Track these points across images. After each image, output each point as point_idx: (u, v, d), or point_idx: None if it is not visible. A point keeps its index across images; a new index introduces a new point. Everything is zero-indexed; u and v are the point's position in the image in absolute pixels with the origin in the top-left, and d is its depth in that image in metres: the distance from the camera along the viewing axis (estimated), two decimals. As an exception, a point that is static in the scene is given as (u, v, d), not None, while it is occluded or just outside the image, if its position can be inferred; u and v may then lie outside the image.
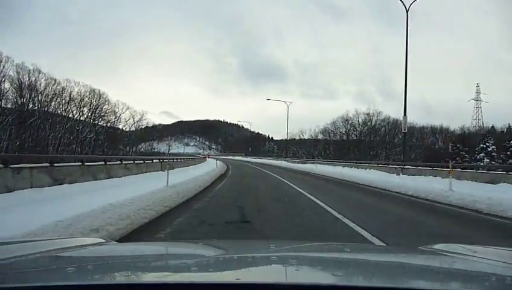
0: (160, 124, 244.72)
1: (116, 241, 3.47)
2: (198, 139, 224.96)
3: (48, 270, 1.31)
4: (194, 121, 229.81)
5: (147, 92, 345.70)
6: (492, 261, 1.46)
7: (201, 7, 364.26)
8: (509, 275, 1.26)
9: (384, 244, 5.22)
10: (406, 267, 1.51)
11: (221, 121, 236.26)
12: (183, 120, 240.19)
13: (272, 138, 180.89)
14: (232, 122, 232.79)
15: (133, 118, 66.65)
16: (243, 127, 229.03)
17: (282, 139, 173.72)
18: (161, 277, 1.20)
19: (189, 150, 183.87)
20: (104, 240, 2.14)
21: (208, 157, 47.68)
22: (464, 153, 47.25)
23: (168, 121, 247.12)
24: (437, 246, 1.87)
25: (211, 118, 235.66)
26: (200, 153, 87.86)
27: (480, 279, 1.27)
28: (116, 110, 59.67)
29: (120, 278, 1.19)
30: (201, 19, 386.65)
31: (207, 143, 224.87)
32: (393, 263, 1.65)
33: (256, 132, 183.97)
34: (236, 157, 78.93)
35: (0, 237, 3.52)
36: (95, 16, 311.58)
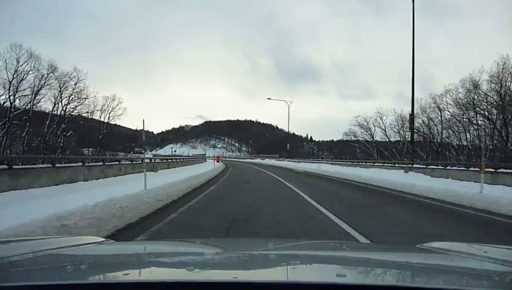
0: (187, 125, 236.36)
1: None
2: (226, 140, 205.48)
3: (47, 269, 1.30)
4: (223, 121, 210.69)
5: (181, 96, 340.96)
6: (490, 259, 1.47)
7: (232, 7, 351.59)
8: (506, 274, 1.27)
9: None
10: (404, 265, 1.50)
11: (252, 121, 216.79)
12: (211, 120, 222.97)
13: (311, 137, 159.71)
14: (265, 122, 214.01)
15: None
16: (277, 127, 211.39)
17: (322, 141, 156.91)
18: (159, 276, 1.21)
19: (216, 152, 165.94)
20: (103, 239, 2.06)
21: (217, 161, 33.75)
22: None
23: (196, 121, 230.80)
24: (435, 244, 1.87)
25: (241, 118, 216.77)
26: (200, 155, 68.59)
27: (478, 277, 1.27)
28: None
29: (118, 277, 1.18)
30: (233, 20, 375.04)
31: (236, 145, 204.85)
32: (391, 261, 1.63)
33: (292, 132, 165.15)
34: (266, 161, 57.19)
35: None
36: (128, 23, 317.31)
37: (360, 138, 49.53)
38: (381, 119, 46.24)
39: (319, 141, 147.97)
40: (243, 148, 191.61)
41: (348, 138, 52.22)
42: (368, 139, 48.55)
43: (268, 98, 68.72)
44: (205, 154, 78.63)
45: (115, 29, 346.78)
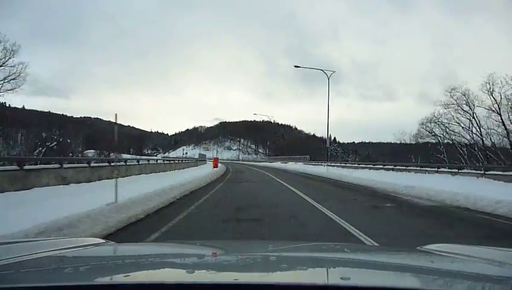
0: (201, 127, 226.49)
1: None
2: (242, 141, 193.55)
3: (48, 270, 1.32)
4: (239, 122, 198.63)
5: (198, 98, 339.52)
6: (488, 261, 1.46)
7: (251, 7, 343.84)
8: (504, 275, 1.26)
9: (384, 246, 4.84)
10: (403, 268, 1.50)
11: (270, 122, 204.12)
12: (226, 121, 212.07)
13: (334, 138, 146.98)
14: (283, 123, 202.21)
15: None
16: (295, 128, 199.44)
17: (347, 142, 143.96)
18: (160, 277, 1.19)
19: (231, 154, 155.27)
20: (103, 241, 2.12)
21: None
22: None
23: (212, 124, 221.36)
24: (433, 246, 1.86)
25: (258, 119, 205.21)
26: (200, 156, 56.42)
27: (477, 279, 1.26)
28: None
29: (119, 278, 1.19)
30: (251, 21, 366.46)
31: (252, 146, 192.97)
32: (390, 263, 1.64)
33: (312, 133, 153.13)
34: (292, 166, 40.06)
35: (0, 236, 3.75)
36: (145, 26, 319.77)
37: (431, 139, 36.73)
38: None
39: (343, 143, 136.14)
40: (260, 150, 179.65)
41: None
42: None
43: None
44: (205, 155, 67.64)
45: (132, 32, 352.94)
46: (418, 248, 1.90)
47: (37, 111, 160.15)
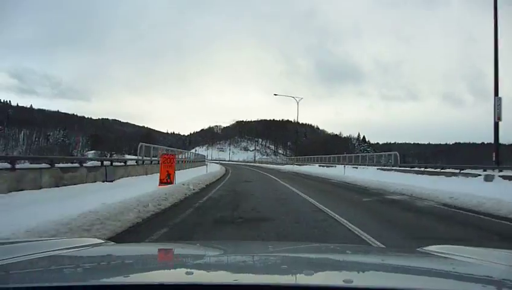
0: (216, 126, 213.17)
1: None
2: (260, 142, 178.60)
3: (47, 270, 1.32)
4: (257, 121, 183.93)
5: (216, 100, 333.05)
6: (490, 263, 1.45)
7: (270, 6, 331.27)
8: (506, 277, 1.25)
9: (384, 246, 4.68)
10: (404, 269, 1.50)
11: (290, 121, 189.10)
12: (243, 120, 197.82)
13: (363, 137, 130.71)
14: (304, 122, 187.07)
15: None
16: (317, 127, 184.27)
17: (378, 143, 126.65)
18: (159, 278, 1.20)
19: (248, 156, 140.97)
20: (103, 241, 2.11)
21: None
22: None
23: (228, 123, 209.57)
24: (435, 248, 1.84)
25: (278, 118, 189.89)
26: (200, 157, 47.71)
27: (478, 280, 1.25)
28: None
29: (119, 278, 1.18)
30: (269, 20, 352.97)
31: (271, 147, 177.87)
32: (390, 264, 1.62)
33: (334, 133, 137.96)
34: (354, 175, 20.37)
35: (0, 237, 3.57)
36: (162, 29, 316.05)
37: None
38: None
39: (373, 143, 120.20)
40: (280, 151, 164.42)
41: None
42: None
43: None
44: (204, 155, 57.96)
45: (150, 35, 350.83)
46: (418, 249, 1.90)
47: (57, 112, 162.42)
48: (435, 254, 1.72)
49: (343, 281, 1.11)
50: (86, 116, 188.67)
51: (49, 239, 2.58)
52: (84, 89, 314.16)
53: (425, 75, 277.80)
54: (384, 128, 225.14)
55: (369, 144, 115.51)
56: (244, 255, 1.72)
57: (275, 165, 58.72)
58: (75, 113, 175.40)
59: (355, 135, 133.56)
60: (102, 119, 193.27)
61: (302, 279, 1.18)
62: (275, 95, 75.36)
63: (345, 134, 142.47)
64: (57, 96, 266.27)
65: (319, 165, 36.90)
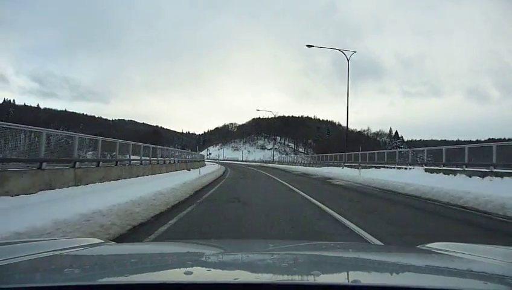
0: (231, 124, 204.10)
1: None
2: (278, 139, 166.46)
3: (47, 270, 1.31)
4: (274, 117, 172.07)
5: (233, 99, 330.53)
6: (490, 259, 1.44)
7: (286, 1, 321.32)
8: (507, 274, 1.24)
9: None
10: (404, 266, 1.48)
11: (310, 118, 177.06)
12: (260, 117, 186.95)
13: (396, 133, 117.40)
14: (324, 118, 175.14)
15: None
16: (339, 124, 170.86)
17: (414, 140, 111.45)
18: (160, 277, 1.19)
19: (265, 155, 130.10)
20: (102, 241, 2.08)
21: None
22: None
23: (242, 121, 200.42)
24: (435, 245, 1.84)
25: (296, 114, 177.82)
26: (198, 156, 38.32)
27: (478, 277, 1.24)
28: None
29: (119, 278, 1.18)
30: (286, 16, 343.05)
31: (291, 145, 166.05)
32: (391, 261, 1.63)
33: (357, 130, 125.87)
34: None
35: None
36: (178, 30, 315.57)
37: None
38: None
39: (408, 140, 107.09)
40: (300, 150, 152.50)
41: None
42: None
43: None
44: (204, 155, 51.86)
45: (166, 36, 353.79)
46: (418, 246, 1.88)
47: (65, 111, 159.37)
48: (436, 251, 1.72)
49: (344, 278, 1.13)
50: (104, 117, 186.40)
51: (49, 239, 2.52)
52: (102, 91, 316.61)
53: (449, 70, 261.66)
54: (408, 125, 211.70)
55: (403, 141, 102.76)
56: (245, 253, 1.73)
57: (302, 167, 42.11)
58: (83, 113, 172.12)
59: (386, 131, 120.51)
60: (119, 120, 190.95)
61: (303, 277, 1.18)
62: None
63: (370, 130, 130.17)
64: (76, 98, 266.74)
65: (401, 169, 25.18)
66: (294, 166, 47.35)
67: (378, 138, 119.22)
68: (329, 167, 32.47)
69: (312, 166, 41.57)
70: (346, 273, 1.26)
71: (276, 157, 75.53)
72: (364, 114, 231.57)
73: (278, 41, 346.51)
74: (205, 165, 36.98)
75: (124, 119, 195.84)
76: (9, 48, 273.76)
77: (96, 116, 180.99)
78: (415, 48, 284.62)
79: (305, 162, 52.43)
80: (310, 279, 1.12)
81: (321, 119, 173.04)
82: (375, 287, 1.08)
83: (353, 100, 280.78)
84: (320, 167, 35.88)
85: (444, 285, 1.14)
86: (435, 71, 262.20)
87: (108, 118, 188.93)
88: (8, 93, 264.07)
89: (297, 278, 1.17)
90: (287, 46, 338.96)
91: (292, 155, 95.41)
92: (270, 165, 57.27)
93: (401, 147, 79.79)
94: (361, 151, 30.59)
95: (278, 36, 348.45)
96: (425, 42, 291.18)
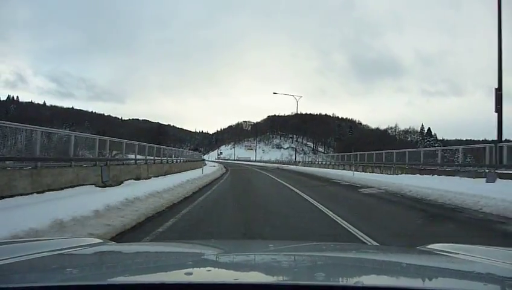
0: (245, 122, 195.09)
1: None
2: (295, 138, 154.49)
3: (48, 270, 1.31)
4: (291, 115, 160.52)
5: (248, 99, 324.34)
6: (489, 261, 1.44)
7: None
8: (505, 275, 1.24)
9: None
10: (404, 267, 1.48)
11: (329, 116, 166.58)
12: (276, 114, 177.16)
13: (428, 129, 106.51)
14: (344, 116, 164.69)
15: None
16: (360, 122, 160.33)
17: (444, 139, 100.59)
18: (160, 277, 1.19)
19: (281, 155, 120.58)
20: (102, 241, 2.08)
21: None
22: None
23: (257, 118, 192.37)
24: (434, 246, 1.82)
25: (314, 112, 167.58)
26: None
27: (478, 278, 1.25)
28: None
29: (119, 278, 1.19)
30: (302, 13, 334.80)
31: (309, 144, 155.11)
32: (391, 262, 1.63)
33: (381, 128, 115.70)
34: None
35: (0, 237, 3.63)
36: (193, 30, 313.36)
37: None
38: None
39: (442, 139, 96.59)
40: (319, 149, 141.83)
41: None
42: None
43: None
44: (202, 155, 47.49)
45: (180, 35, 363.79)
46: (419, 247, 1.87)
47: (71, 109, 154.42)
48: (435, 252, 1.72)
49: (344, 279, 1.13)
50: (118, 117, 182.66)
51: (49, 239, 2.47)
52: (118, 91, 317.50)
53: (470, 68, 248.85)
54: (430, 123, 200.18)
55: (436, 139, 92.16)
56: (245, 254, 1.73)
57: (318, 171, 32.01)
58: (94, 112, 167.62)
59: (423, 125, 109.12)
60: (132, 119, 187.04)
61: (303, 278, 1.18)
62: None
63: (398, 128, 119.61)
64: (93, 98, 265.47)
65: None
66: (329, 169, 34.81)
67: (408, 136, 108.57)
68: (376, 174, 22.77)
69: (357, 171, 29.96)
70: (346, 274, 1.25)
71: (298, 158, 65.15)
72: (382, 112, 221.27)
73: (293, 40, 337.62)
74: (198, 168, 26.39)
75: (137, 119, 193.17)
76: (26, 49, 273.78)
77: (106, 114, 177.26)
78: (435, 45, 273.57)
79: (341, 164, 40.79)
80: (309, 279, 1.12)
81: (340, 117, 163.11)
82: (378, 288, 1.07)
83: (370, 98, 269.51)
84: (370, 172, 26.01)
85: (445, 286, 1.14)
86: (455, 69, 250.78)
87: (118, 116, 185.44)
88: (26, 93, 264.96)
89: (297, 279, 1.15)
90: (302, 44, 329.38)
91: (310, 154, 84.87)
92: (293, 167, 45.31)
93: (434, 146, 69.41)
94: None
95: (293, 34, 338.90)
96: (446, 39, 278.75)
